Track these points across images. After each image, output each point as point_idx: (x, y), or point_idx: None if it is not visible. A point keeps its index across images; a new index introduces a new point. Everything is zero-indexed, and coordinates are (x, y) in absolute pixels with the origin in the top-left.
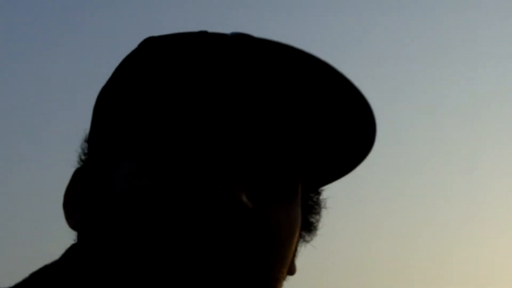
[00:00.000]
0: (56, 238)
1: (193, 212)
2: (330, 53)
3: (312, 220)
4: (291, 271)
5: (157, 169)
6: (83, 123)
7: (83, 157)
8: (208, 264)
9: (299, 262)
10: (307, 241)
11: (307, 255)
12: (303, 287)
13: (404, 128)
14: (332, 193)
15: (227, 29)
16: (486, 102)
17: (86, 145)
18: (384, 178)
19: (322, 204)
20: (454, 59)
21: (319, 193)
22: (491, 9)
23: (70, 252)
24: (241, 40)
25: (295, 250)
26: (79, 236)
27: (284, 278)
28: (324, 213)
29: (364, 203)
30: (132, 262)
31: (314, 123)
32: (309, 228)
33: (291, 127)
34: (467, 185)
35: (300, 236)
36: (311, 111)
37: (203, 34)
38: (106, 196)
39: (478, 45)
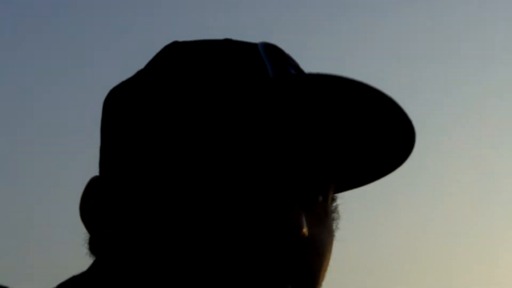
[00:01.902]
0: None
1: (259, 242)
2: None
3: (334, 227)
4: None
5: (218, 202)
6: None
7: (105, 162)
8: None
9: None
10: None
11: None
12: None
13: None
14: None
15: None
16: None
17: (105, 150)
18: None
19: (338, 209)
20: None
21: (335, 199)
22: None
23: (100, 266)
24: (274, 55)
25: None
26: (104, 248)
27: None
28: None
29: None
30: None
31: (355, 140)
32: None
33: (333, 141)
34: (477, 186)
35: None
36: (352, 129)
37: (229, 43)
38: (148, 217)
39: (488, 43)
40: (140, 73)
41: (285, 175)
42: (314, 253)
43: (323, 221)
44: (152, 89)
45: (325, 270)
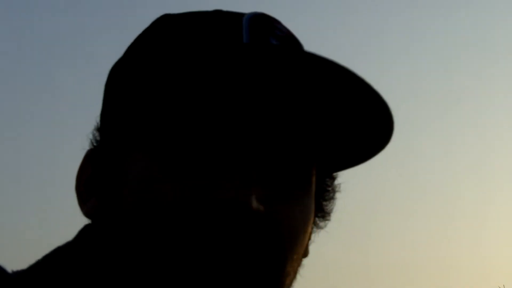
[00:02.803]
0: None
1: (207, 220)
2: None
3: (325, 206)
4: (304, 254)
5: (171, 170)
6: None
7: (97, 136)
8: (218, 268)
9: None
10: (321, 227)
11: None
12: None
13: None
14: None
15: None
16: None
17: (99, 124)
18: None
19: (336, 189)
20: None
21: (333, 178)
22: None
23: (83, 235)
24: (257, 23)
25: (309, 237)
26: (91, 220)
27: (299, 266)
28: (338, 197)
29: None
30: (142, 261)
31: (327, 113)
32: (322, 214)
33: (303, 119)
34: (477, 185)
35: (314, 223)
36: (323, 102)
37: (218, 14)
38: (118, 187)
39: (492, 42)
40: (130, 48)
41: (240, 148)
42: (277, 233)
43: (296, 199)
44: (127, 66)
45: (296, 253)
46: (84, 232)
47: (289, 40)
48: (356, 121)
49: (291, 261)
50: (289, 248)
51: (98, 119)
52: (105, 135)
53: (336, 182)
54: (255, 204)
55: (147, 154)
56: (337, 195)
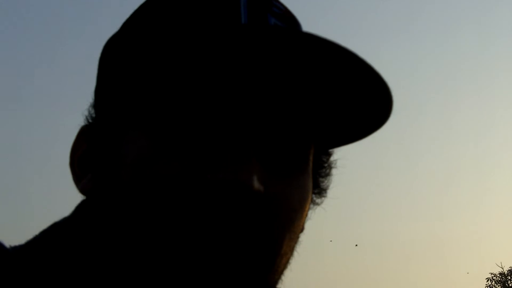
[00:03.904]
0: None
1: (207, 199)
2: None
3: (322, 183)
4: (301, 230)
5: (169, 149)
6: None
7: (92, 113)
8: (217, 248)
9: None
10: (317, 204)
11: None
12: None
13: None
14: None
15: None
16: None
17: (94, 101)
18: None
19: (333, 165)
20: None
21: (330, 154)
22: None
23: (79, 212)
24: (255, 5)
25: (306, 215)
26: (87, 196)
27: (296, 243)
28: (334, 172)
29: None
30: (139, 238)
31: (325, 92)
32: (319, 190)
33: (301, 98)
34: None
35: (311, 201)
36: (321, 81)
37: None
38: (115, 164)
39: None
40: (126, 23)
41: (241, 128)
42: (276, 210)
43: (294, 178)
44: (123, 43)
45: (294, 232)
46: (80, 208)
47: (287, 18)
48: (355, 98)
49: (288, 240)
50: (287, 228)
51: (93, 95)
52: (101, 112)
53: (331, 158)
54: (256, 184)
55: (145, 132)
56: (333, 171)
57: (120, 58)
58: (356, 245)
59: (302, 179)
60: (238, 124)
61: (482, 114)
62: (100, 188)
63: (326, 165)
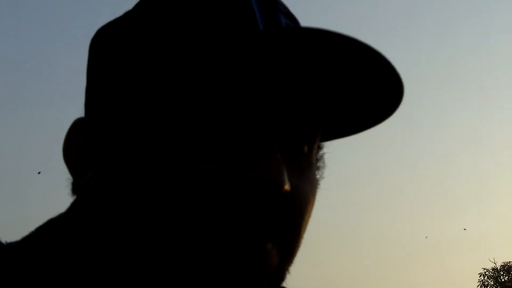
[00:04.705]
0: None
1: (241, 197)
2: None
3: (318, 176)
4: None
5: (199, 147)
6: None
7: (93, 105)
8: (248, 241)
9: None
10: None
11: None
12: None
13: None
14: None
15: None
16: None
17: (99, 94)
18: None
19: (324, 157)
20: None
21: (321, 148)
22: None
23: (77, 208)
24: (264, 4)
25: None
26: (88, 192)
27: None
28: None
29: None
30: (163, 234)
31: (342, 91)
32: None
33: (317, 95)
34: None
35: None
36: (338, 81)
37: None
38: (133, 162)
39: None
40: (128, 14)
41: (267, 125)
42: (296, 206)
43: (305, 172)
44: (140, 33)
45: (307, 223)
46: (78, 204)
47: (291, 16)
48: (367, 87)
49: (304, 233)
50: (305, 219)
51: (97, 86)
52: (108, 107)
53: (322, 151)
54: (287, 184)
55: (171, 130)
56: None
57: (140, 53)
58: (426, 237)
59: (311, 171)
60: (263, 119)
61: (480, 116)
62: (109, 183)
63: (319, 158)
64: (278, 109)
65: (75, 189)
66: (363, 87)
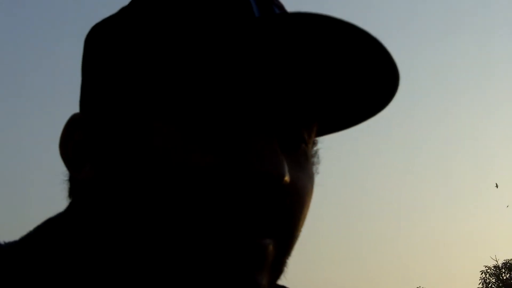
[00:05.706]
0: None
1: (242, 190)
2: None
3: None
4: None
5: (200, 139)
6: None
7: (90, 101)
8: (250, 233)
9: None
10: None
11: None
12: None
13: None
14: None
15: None
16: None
17: (95, 89)
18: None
19: (318, 152)
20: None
21: (315, 144)
22: None
23: (76, 206)
24: None
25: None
26: (84, 188)
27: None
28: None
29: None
30: (163, 232)
31: (338, 80)
32: None
33: (316, 85)
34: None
35: None
36: (336, 69)
37: None
38: (131, 156)
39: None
40: (123, 11)
41: (265, 116)
42: (295, 199)
43: (303, 165)
44: (136, 26)
45: (305, 215)
46: (77, 203)
47: (283, 9)
48: (362, 75)
49: (302, 226)
50: (303, 214)
51: (94, 81)
52: (105, 102)
53: (317, 147)
54: (287, 176)
55: (172, 123)
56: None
57: (136, 46)
58: (508, 206)
59: (309, 165)
60: (262, 110)
61: (479, 113)
62: (107, 177)
63: (315, 154)
64: (276, 99)
65: (72, 184)
66: (358, 73)
